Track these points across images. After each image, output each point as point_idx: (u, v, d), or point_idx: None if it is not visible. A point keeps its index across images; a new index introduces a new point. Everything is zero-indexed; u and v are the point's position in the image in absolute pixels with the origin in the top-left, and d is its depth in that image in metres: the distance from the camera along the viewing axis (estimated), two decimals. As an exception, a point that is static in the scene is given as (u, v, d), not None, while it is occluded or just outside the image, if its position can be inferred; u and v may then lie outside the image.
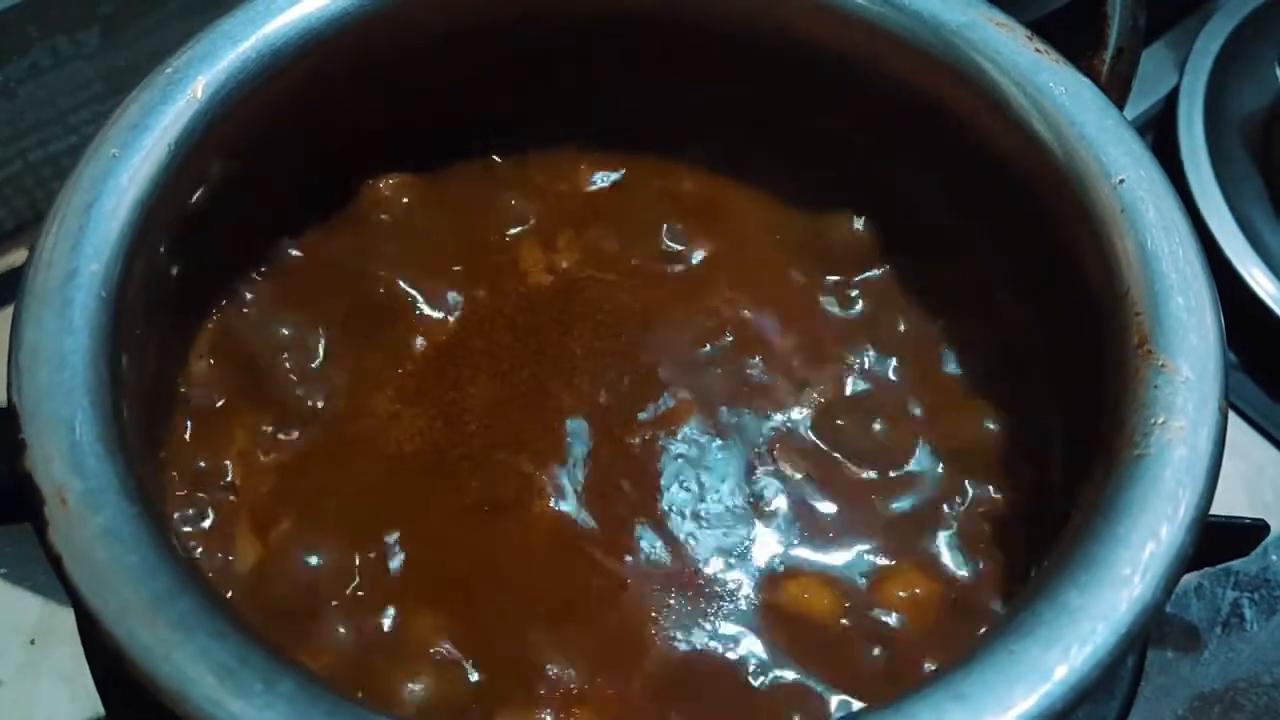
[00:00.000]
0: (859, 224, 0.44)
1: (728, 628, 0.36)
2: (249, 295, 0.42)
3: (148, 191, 0.35)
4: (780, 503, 0.38)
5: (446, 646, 0.35)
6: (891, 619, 0.36)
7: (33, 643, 0.52)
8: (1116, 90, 0.39)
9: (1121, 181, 0.36)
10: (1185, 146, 0.56)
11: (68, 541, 0.28)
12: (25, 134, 0.60)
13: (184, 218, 0.37)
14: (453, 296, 0.43)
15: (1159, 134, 0.59)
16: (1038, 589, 0.29)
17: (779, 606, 0.37)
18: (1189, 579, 0.44)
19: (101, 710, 0.38)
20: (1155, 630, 0.44)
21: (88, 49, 0.60)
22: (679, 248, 0.44)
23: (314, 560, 0.36)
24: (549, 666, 0.34)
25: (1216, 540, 0.39)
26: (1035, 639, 0.28)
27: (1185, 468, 0.30)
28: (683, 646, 0.35)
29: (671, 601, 0.36)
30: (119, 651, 0.27)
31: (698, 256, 0.44)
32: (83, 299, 0.32)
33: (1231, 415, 0.51)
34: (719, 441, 0.40)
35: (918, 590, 0.36)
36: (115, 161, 0.35)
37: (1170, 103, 0.58)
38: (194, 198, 0.38)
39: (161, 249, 0.36)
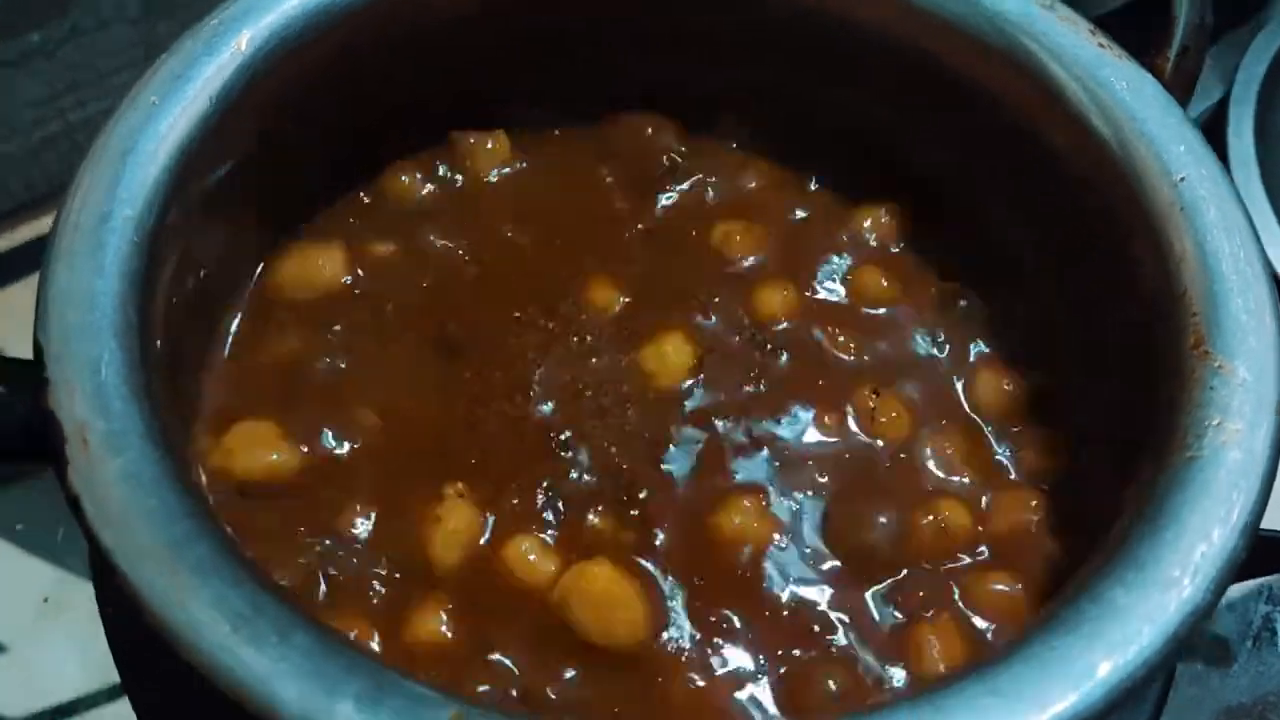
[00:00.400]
0: (902, 215, 0.43)
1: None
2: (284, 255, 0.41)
3: (186, 142, 0.35)
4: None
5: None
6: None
7: (45, 601, 0.51)
8: (1180, 88, 0.38)
9: (1182, 180, 0.35)
10: (1235, 157, 0.55)
11: (87, 482, 0.28)
12: (63, 95, 0.60)
13: (221, 172, 0.37)
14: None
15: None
16: (1082, 587, 0.28)
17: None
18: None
19: (113, 679, 0.38)
20: (1185, 643, 0.43)
21: (130, 12, 0.60)
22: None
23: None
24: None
25: (1253, 553, 0.38)
26: (1078, 636, 0.27)
27: (1240, 471, 0.29)
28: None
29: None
30: (134, 596, 0.26)
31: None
32: (116, 242, 0.32)
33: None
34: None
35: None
36: (155, 109, 0.35)
37: (1220, 112, 0.57)
38: (232, 154, 0.37)
39: (198, 201, 0.36)
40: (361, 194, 0.44)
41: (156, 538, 0.27)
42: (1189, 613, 0.27)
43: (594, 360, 0.40)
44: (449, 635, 0.34)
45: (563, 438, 0.38)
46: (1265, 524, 0.37)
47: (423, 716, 0.25)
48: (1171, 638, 0.27)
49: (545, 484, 0.37)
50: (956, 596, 0.36)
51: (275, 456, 0.37)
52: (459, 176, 0.45)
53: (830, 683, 0.34)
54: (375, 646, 0.34)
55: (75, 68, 0.60)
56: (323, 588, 0.35)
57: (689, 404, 0.39)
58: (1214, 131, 0.57)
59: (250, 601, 0.26)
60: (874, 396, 0.39)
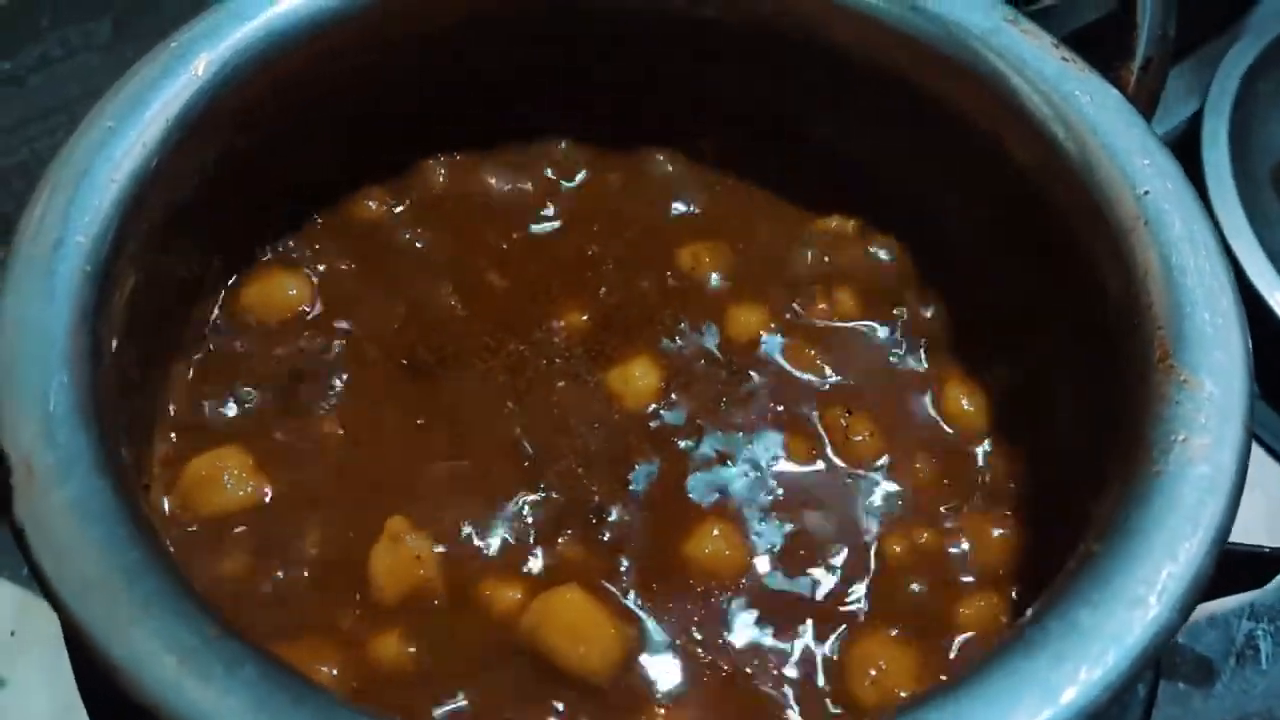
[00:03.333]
0: (869, 231, 0.43)
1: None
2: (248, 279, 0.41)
3: (142, 166, 0.35)
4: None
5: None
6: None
7: (12, 634, 0.51)
8: (1144, 101, 0.38)
9: (1146, 193, 0.34)
10: (1210, 169, 0.55)
11: (32, 513, 0.27)
12: (32, 122, 0.60)
13: (179, 197, 0.37)
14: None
15: (1182, 157, 0.57)
16: (1047, 607, 0.28)
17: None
18: (1203, 609, 0.43)
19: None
20: (1167, 661, 0.42)
21: (99, 40, 0.60)
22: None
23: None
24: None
25: (1234, 569, 0.37)
26: (1041, 658, 0.26)
27: (1207, 487, 0.29)
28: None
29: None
30: (77, 629, 0.26)
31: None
32: (67, 270, 0.32)
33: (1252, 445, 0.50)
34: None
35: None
36: (111, 134, 0.35)
37: (1195, 124, 0.57)
38: (191, 178, 0.37)
39: (156, 227, 0.35)
40: (329, 218, 0.44)
41: (101, 569, 0.26)
42: (1155, 633, 0.27)
43: (562, 383, 0.40)
44: (413, 663, 0.34)
45: (532, 461, 0.38)
46: (1251, 539, 0.37)
47: (369, 749, 0.24)
48: (1138, 659, 0.26)
49: (514, 507, 0.37)
50: (929, 622, 0.35)
51: (236, 488, 0.36)
52: (428, 201, 0.44)
53: (797, 716, 0.33)
54: (335, 673, 0.33)
55: (45, 95, 0.60)
56: (284, 614, 0.34)
57: (654, 425, 0.39)
58: (1189, 144, 0.57)
59: (198, 634, 0.26)
60: (846, 415, 0.39)
